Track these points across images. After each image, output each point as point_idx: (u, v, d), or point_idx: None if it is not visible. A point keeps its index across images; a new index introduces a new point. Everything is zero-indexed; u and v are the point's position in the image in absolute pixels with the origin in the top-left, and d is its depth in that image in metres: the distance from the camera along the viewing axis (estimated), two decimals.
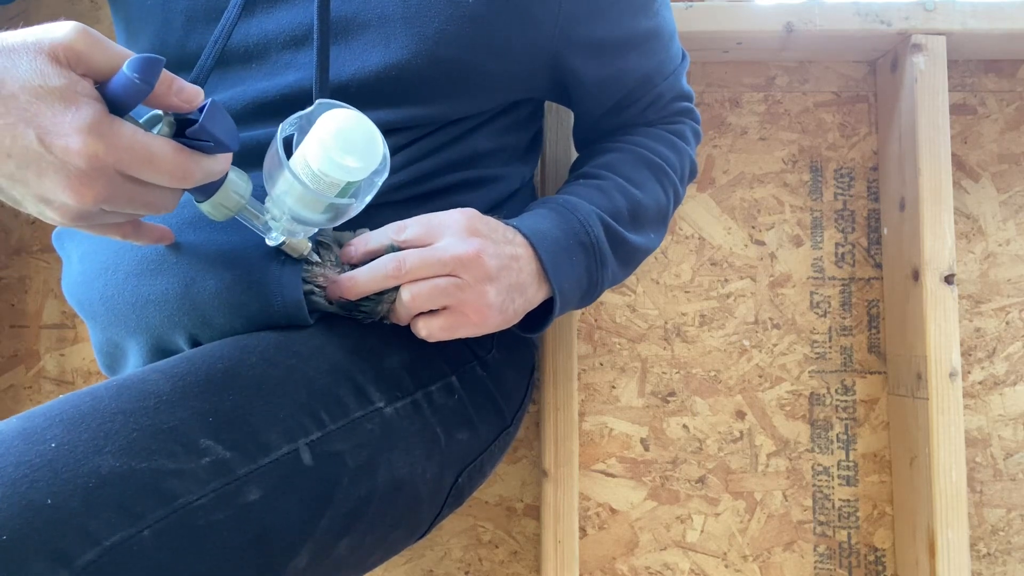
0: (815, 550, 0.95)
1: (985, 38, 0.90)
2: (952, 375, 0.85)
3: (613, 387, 0.97)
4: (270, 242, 0.53)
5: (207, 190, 0.49)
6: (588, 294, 0.65)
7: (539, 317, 0.64)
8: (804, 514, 0.95)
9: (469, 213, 0.57)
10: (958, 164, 0.97)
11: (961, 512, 0.84)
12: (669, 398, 0.96)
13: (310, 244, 0.55)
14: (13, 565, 0.36)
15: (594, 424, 0.96)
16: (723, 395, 0.96)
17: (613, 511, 0.96)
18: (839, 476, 0.95)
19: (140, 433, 0.43)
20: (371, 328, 0.59)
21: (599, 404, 0.96)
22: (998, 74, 0.98)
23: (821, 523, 0.95)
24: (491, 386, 0.67)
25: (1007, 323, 0.96)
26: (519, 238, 0.59)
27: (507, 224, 0.60)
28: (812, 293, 0.97)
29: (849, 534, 0.95)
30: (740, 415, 0.96)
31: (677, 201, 0.74)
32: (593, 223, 0.63)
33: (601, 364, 0.97)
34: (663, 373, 0.97)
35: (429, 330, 0.56)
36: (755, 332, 0.97)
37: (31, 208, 0.45)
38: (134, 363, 0.61)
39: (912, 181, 0.89)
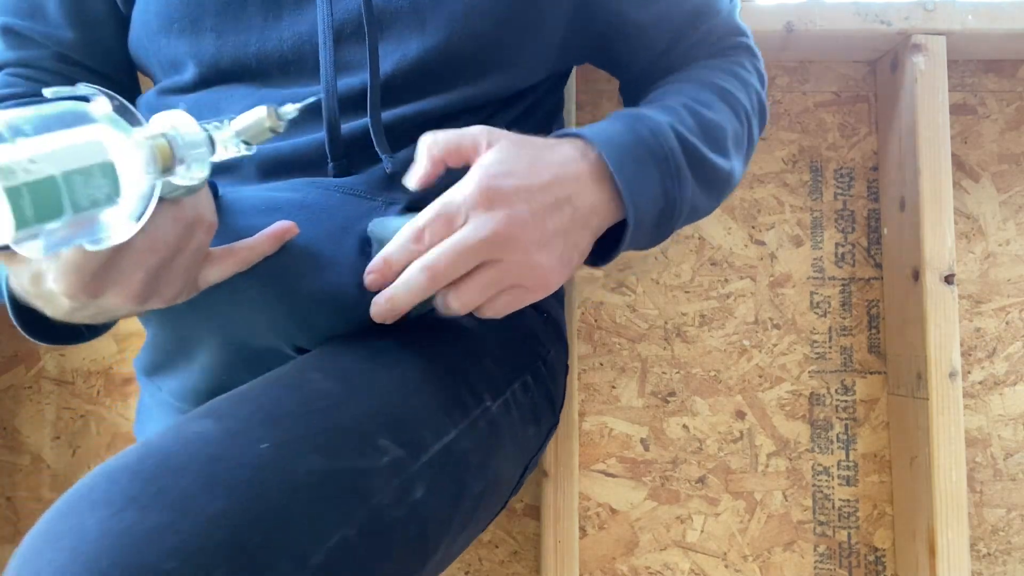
0: (815, 550, 0.95)
1: (985, 38, 0.90)
2: (952, 375, 0.85)
3: (613, 387, 0.97)
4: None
5: None
6: (666, 217, 0.55)
7: (607, 242, 0.56)
8: (804, 514, 0.95)
9: (482, 173, 0.49)
10: (958, 164, 0.97)
11: (961, 512, 0.84)
12: (669, 398, 0.96)
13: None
14: (265, 571, 0.35)
15: (594, 424, 0.96)
16: (723, 395, 0.96)
17: (613, 511, 0.96)
18: (839, 476, 0.95)
19: (328, 434, 0.42)
20: (462, 328, 0.59)
21: (599, 404, 0.96)
22: (998, 74, 0.98)
23: (821, 523, 0.95)
24: (549, 383, 0.67)
25: (1007, 323, 0.96)
26: (565, 148, 0.51)
27: (546, 141, 0.52)
28: (812, 293, 0.97)
29: (849, 534, 0.95)
30: (740, 415, 0.96)
31: (751, 138, 0.65)
32: (665, 133, 0.54)
33: (601, 364, 0.97)
34: (663, 373, 0.97)
35: (495, 311, 0.51)
36: (755, 332, 0.97)
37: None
38: (203, 363, 0.57)
39: (912, 181, 0.89)
